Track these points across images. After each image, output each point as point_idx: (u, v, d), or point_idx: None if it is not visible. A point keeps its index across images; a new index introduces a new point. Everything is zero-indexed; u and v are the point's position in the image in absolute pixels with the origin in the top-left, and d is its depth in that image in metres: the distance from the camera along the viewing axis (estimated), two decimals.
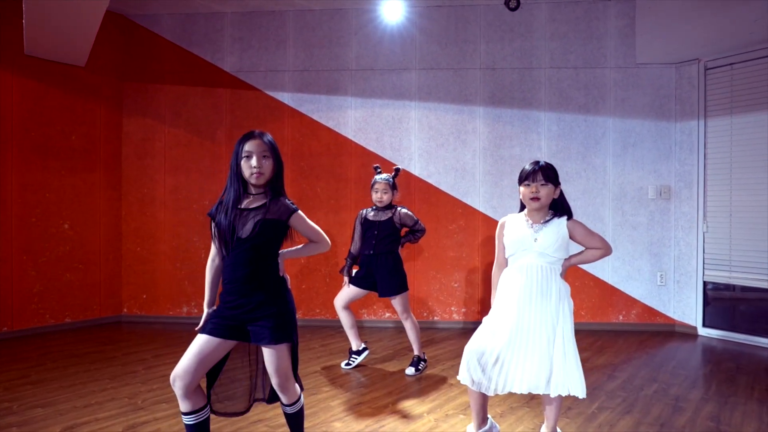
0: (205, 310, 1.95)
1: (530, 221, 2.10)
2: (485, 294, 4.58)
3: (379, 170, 3.39)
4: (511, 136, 4.59)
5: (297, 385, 1.96)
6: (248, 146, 1.87)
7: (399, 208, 3.32)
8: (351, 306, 3.48)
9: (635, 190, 4.52)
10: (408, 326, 3.31)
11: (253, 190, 1.93)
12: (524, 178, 2.08)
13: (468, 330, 4.50)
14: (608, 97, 4.55)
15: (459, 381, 2.09)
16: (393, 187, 3.31)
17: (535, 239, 2.06)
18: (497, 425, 2.29)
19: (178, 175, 4.74)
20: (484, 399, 2.11)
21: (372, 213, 3.34)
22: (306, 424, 2.47)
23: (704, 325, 4.37)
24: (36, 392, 2.88)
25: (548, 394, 2.03)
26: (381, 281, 3.26)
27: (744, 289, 4.25)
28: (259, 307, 1.84)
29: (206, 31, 4.75)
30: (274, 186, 1.94)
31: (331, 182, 4.67)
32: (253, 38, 4.73)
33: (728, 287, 4.33)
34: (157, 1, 4.52)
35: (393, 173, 3.39)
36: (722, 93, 4.26)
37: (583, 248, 2.15)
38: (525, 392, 1.98)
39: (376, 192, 3.27)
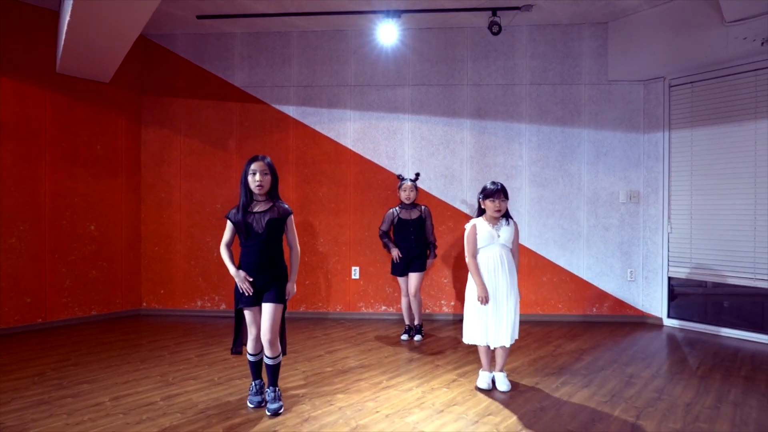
0: (240, 274, 2.67)
1: (491, 224, 3.06)
2: None
3: (402, 177, 4.31)
4: (495, 146, 5.07)
5: (280, 345, 2.72)
6: (253, 166, 2.65)
7: (423, 206, 4.30)
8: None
9: (607, 195, 5.00)
10: (417, 302, 4.23)
11: (258, 198, 2.71)
12: (490, 195, 3.01)
13: (457, 321, 4.98)
14: (583, 110, 5.03)
15: (465, 342, 3.13)
16: (416, 187, 4.27)
17: (498, 235, 3.04)
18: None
19: (192, 181, 5.20)
20: (489, 350, 3.13)
21: (403, 212, 4.23)
22: (312, 396, 2.96)
23: (669, 316, 4.85)
24: (79, 372, 3.34)
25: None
26: (413, 261, 4.18)
27: (715, 285, 4.71)
28: (272, 279, 2.68)
29: (218, 49, 5.21)
30: (272, 194, 2.73)
31: (332, 187, 5.14)
32: (261, 56, 5.19)
33: (701, 284, 4.76)
34: (173, 23, 4.99)
35: (415, 177, 4.32)
36: (684, 108, 4.74)
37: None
38: (507, 345, 3.02)
39: (405, 191, 4.19)
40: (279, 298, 2.66)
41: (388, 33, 4.79)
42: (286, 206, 2.75)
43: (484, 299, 2.96)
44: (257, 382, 2.81)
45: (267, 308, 2.64)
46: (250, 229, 2.64)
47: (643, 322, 4.93)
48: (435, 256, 4.33)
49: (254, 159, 2.66)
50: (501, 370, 3.12)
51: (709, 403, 2.86)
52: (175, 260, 5.22)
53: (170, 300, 5.22)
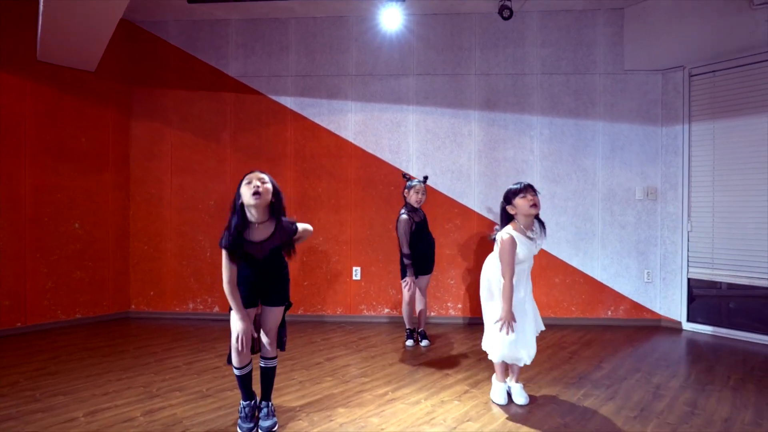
0: (247, 330, 2.26)
1: (527, 233, 2.61)
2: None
3: (408, 176, 3.97)
4: (504, 139, 4.79)
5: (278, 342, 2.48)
6: (249, 176, 2.23)
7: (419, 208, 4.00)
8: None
9: (623, 191, 4.72)
10: (424, 303, 4.00)
11: (255, 218, 2.21)
12: (519, 192, 2.58)
13: (465, 325, 4.70)
14: (597, 102, 4.75)
15: (490, 358, 2.79)
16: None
17: (536, 246, 2.65)
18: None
19: (184, 176, 4.91)
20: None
21: (415, 215, 3.86)
22: (310, 410, 2.67)
23: (688, 320, 4.57)
24: (56, 382, 3.05)
25: None
26: (428, 263, 3.95)
27: (730, 286, 4.45)
28: (276, 283, 2.39)
29: (211, 37, 4.93)
30: (274, 212, 2.27)
31: (332, 183, 4.86)
32: (257, 44, 4.91)
33: (714, 285, 4.51)
34: (163, 9, 4.70)
35: (424, 179, 3.94)
36: (705, 99, 4.46)
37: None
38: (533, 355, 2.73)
39: (417, 193, 3.81)
40: (282, 300, 2.43)
41: (391, 18, 4.51)
42: (291, 222, 2.33)
43: (509, 324, 2.56)
44: (248, 403, 2.42)
45: (269, 311, 2.41)
46: (250, 258, 2.28)
47: (660, 326, 4.65)
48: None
49: (250, 172, 2.26)
50: (517, 381, 2.84)
51: (749, 419, 2.59)
52: (166, 260, 4.93)
53: (160, 302, 4.93)
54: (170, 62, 4.94)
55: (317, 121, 4.87)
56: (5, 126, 4.14)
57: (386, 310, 4.83)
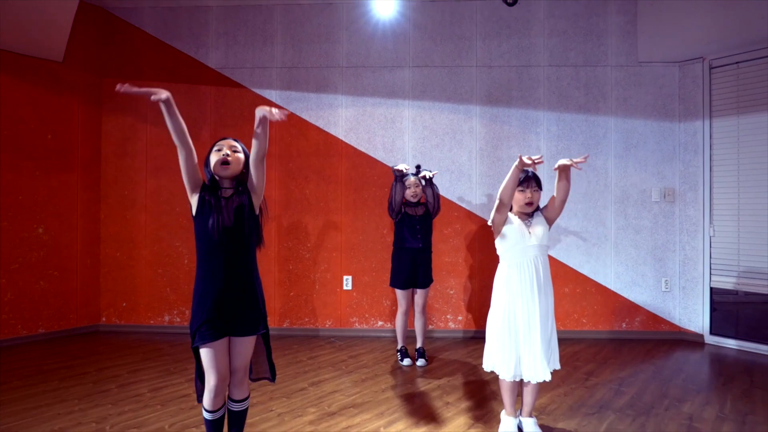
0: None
1: (519, 218, 2.37)
2: (483, 301, 4.38)
3: (397, 171, 3.54)
4: (508, 137, 4.40)
5: (269, 369, 2.10)
6: (220, 142, 2.02)
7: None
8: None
9: (638, 193, 4.35)
10: (423, 320, 3.64)
11: (225, 184, 1.98)
12: (518, 184, 2.31)
13: (467, 339, 4.30)
14: (609, 96, 4.37)
15: (486, 369, 2.40)
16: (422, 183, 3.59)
17: (530, 232, 2.34)
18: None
19: (160, 176, 4.50)
20: (514, 386, 2.37)
21: (408, 208, 3.58)
22: None
23: (711, 332, 4.19)
24: None
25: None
26: (422, 275, 3.57)
27: (748, 293, 4.09)
28: (245, 308, 1.94)
29: (190, 25, 4.53)
30: (242, 182, 2.01)
31: (321, 184, 4.46)
32: (239, 33, 4.51)
33: (730, 291, 4.15)
34: None
35: (416, 170, 3.64)
36: (728, 92, 4.09)
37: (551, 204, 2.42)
38: (547, 378, 2.26)
39: (410, 188, 3.53)
40: (255, 327, 1.96)
41: (385, 5, 4.13)
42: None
43: (527, 159, 2.17)
44: None
45: (238, 343, 1.95)
46: (212, 213, 1.89)
47: (680, 340, 4.27)
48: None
49: (223, 138, 2.06)
50: (530, 415, 2.43)
51: None
52: (140, 268, 4.52)
53: (134, 314, 4.51)
54: (145, 52, 4.54)
55: (304, 116, 4.47)
56: None
57: (380, 323, 4.42)
